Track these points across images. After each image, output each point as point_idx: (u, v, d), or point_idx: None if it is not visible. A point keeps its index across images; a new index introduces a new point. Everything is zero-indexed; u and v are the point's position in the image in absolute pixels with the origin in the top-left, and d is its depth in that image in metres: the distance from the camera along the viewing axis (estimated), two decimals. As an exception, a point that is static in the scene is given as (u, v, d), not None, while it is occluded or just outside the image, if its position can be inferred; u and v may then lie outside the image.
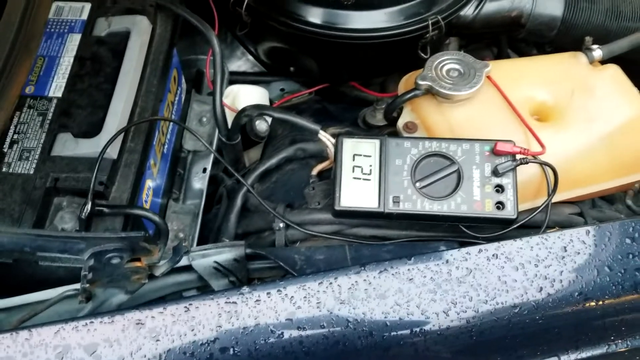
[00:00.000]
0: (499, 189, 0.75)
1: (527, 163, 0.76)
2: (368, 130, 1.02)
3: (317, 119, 1.07)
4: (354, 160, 0.77)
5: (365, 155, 0.78)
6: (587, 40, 0.93)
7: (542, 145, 0.80)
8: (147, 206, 0.89)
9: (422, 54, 1.01)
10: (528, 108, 0.87)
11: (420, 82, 0.85)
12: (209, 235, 0.95)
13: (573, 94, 0.87)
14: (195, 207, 1.03)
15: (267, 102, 1.15)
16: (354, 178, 0.77)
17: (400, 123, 0.88)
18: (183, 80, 1.07)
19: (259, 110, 0.88)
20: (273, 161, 0.90)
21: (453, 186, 0.76)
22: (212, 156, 1.06)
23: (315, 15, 0.97)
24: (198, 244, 0.95)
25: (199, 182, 1.06)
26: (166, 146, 0.98)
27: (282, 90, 1.22)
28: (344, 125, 1.01)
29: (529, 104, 0.88)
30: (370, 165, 0.77)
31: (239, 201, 0.87)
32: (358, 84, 1.12)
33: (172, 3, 0.95)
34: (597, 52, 0.92)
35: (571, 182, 0.85)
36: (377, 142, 0.78)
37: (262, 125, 1.05)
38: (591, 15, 1.06)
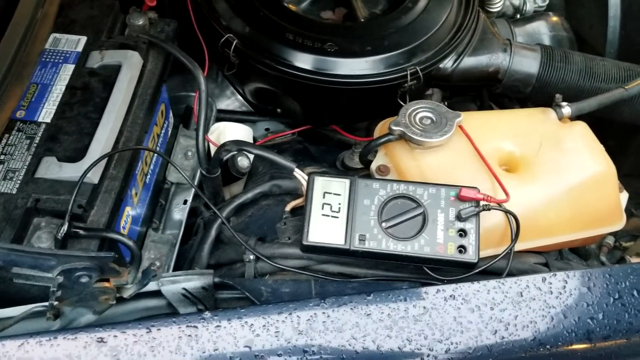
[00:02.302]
0: (462, 233, 0.78)
1: (489, 210, 0.79)
2: (345, 172, 1.05)
3: (296, 158, 1.11)
4: (324, 197, 0.81)
5: (335, 194, 0.81)
6: (557, 97, 0.97)
7: (506, 194, 0.83)
8: (125, 232, 0.92)
9: (402, 102, 1.06)
10: (497, 158, 0.91)
11: (394, 128, 0.89)
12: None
13: (540, 147, 0.91)
14: (173, 237, 1.06)
15: (250, 140, 1.19)
16: (323, 215, 0.79)
17: (374, 166, 0.92)
18: (171, 114, 1.11)
19: (238, 145, 0.91)
20: (249, 195, 0.93)
21: (418, 228, 0.79)
22: (193, 189, 1.09)
23: (300, 60, 1.02)
24: (193, 263, 0.97)
25: (179, 213, 1.09)
26: (149, 176, 1.01)
27: (267, 129, 1.26)
28: (322, 166, 1.05)
29: (498, 154, 0.91)
30: (340, 204, 0.80)
31: (213, 232, 0.90)
32: (340, 127, 1.16)
33: (164, 41, 1.00)
34: (566, 109, 0.96)
35: (535, 231, 0.88)
36: (347, 181, 0.81)
37: (243, 162, 1.09)
38: (565, 75, 1.12)
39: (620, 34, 1.34)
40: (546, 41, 1.32)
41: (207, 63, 1.10)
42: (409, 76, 1.02)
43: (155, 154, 1.04)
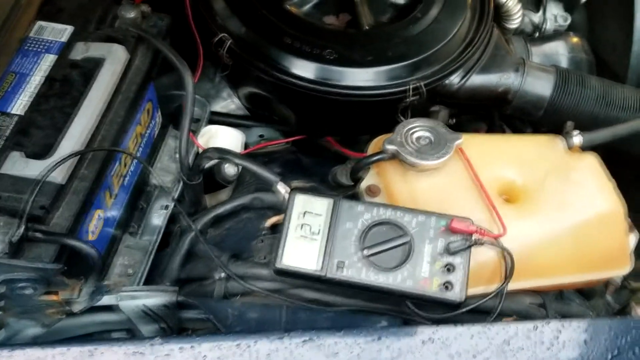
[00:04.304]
0: (450, 268, 0.71)
1: (482, 244, 0.72)
2: (337, 189, 0.99)
3: (286, 169, 1.05)
4: (303, 217, 0.74)
5: (316, 214, 0.74)
6: (568, 125, 0.90)
7: (503, 228, 0.76)
8: (94, 237, 0.86)
9: (402, 118, 0.99)
10: (497, 186, 0.84)
11: (387, 146, 0.83)
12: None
13: (545, 179, 0.84)
14: (150, 243, 1.00)
15: (241, 146, 1.13)
16: (301, 236, 0.73)
17: (363, 185, 0.85)
18: (158, 114, 1.05)
19: (220, 153, 0.85)
20: (227, 207, 0.87)
21: (402, 259, 0.72)
22: (176, 194, 1.03)
23: (296, 66, 0.96)
24: (146, 283, 0.92)
25: (159, 218, 1.03)
26: (127, 178, 0.96)
27: (261, 136, 1.20)
28: (311, 180, 0.99)
29: (499, 182, 0.84)
30: (320, 225, 0.74)
31: (185, 244, 0.84)
32: (338, 139, 1.10)
33: (154, 36, 0.95)
34: (577, 139, 0.89)
35: (532, 270, 0.81)
36: (330, 201, 0.75)
37: (230, 170, 1.03)
38: (580, 100, 1.04)
39: None
40: (564, 62, 1.24)
41: (202, 62, 1.05)
42: (410, 91, 0.96)
43: (139, 152, 0.98)
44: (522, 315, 0.83)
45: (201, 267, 0.83)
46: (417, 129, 0.85)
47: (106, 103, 0.87)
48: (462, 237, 0.72)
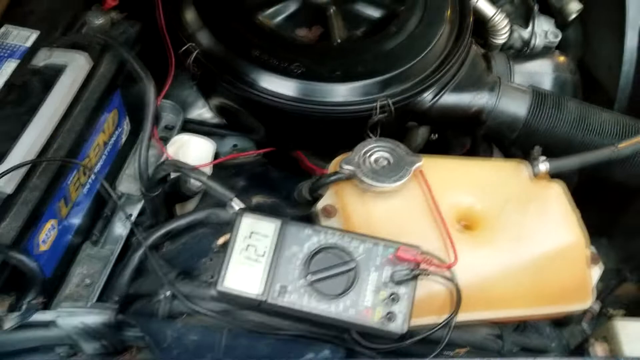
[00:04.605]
0: (394, 298, 0.69)
1: (427, 275, 0.70)
2: (299, 206, 0.97)
3: (252, 183, 1.03)
4: (250, 238, 0.72)
5: (262, 236, 0.73)
6: (535, 150, 0.88)
7: (455, 257, 0.74)
8: (46, 247, 0.85)
9: (372, 135, 0.97)
10: (456, 212, 0.82)
11: (344, 167, 0.81)
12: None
13: (506, 207, 0.82)
14: (111, 253, 0.99)
15: (211, 156, 1.11)
16: (246, 258, 0.71)
17: (320, 205, 0.84)
18: (126, 121, 1.04)
19: (175, 166, 0.84)
20: (181, 222, 0.85)
21: (346, 286, 0.70)
22: (142, 202, 1.02)
23: (263, 80, 0.94)
24: (103, 294, 0.91)
25: (122, 227, 1.02)
26: (87, 187, 0.94)
27: (234, 146, 1.18)
28: (276, 195, 0.97)
29: (458, 208, 0.82)
30: (266, 247, 0.72)
31: (135, 259, 0.82)
32: (306, 153, 1.08)
33: (120, 44, 0.93)
34: (543, 165, 0.86)
35: (487, 302, 0.79)
36: (277, 223, 0.73)
37: (195, 182, 1.01)
38: (555, 123, 1.01)
39: (634, 80, 1.23)
40: (547, 82, 1.21)
41: (173, 70, 1.03)
42: (378, 108, 0.94)
43: (102, 160, 0.97)
44: (477, 347, 0.81)
45: (149, 284, 0.81)
46: (376, 150, 0.83)
47: (64, 111, 0.86)
48: (408, 267, 0.70)
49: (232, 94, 0.97)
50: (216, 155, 1.13)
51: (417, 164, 0.81)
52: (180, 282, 0.79)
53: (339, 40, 1.01)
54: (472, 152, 1.23)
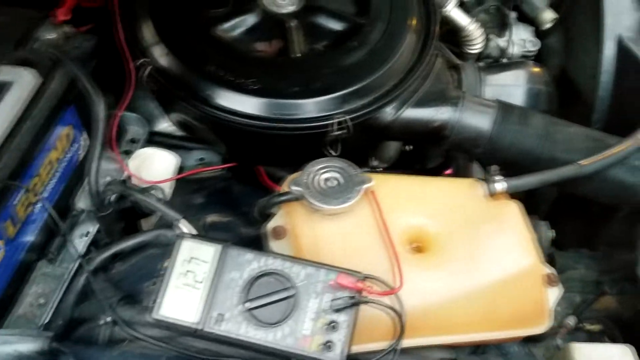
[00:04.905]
0: (333, 326, 0.67)
1: (365, 303, 0.68)
2: (257, 224, 0.95)
3: (212, 199, 1.01)
4: (189, 263, 0.71)
5: (202, 261, 0.71)
6: (493, 168, 0.86)
7: (401, 282, 0.72)
8: (-9, 268, 0.83)
9: (332, 151, 0.95)
10: (408, 234, 0.80)
11: (292, 188, 0.79)
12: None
13: (459, 227, 0.80)
14: (67, 271, 0.97)
15: (175, 170, 1.10)
16: (184, 285, 0.70)
17: (270, 226, 0.82)
18: (83, 137, 1.02)
19: (121, 187, 0.82)
20: (128, 244, 0.83)
21: (285, 314, 0.68)
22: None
23: (218, 96, 0.92)
24: (57, 313, 0.89)
25: (78, 245, 1.00)
26: (39, 204, 0.93)
27: (201, 160, 1.16)
28: (233, 212, 0.95)
29: (410, 229, 0.80)
30: (205, 273, 0.70)
31: (80, 282, 0.80)
32: (265, 169, 1.06)
33: (71, 60, 0.91)
34: (500, 185, 0.84)
35: (436, 327, 0.77)
36: (218, 248, 0.71)
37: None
38: (520, 138, 0.99)
39: (612, 90, 1.20)
40: (519, 94, 1.19)
41: (133, 84, 1.01)
42: (335, 125, 0.92)
43: (56, 177, 0.95)
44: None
45: (93, 308, 0.79)
46: (326, 170, 0.81)
47: (9, 130, 0.84)
48: (348, 294, 0.68)
49: (188, 110, 0.95)
50: (181, 169, 1.12)
51: (367, 185, 0.79)
52: (122, 307, 0.77)
53: (298, 55, 0.99)
54: (449, 162, 1.21)
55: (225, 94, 0.92)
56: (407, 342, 0.75)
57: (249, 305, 0.68)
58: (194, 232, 0.78)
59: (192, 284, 0.69)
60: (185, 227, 0.79)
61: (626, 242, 1.08)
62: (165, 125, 1.23)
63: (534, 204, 1.20)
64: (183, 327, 0.68)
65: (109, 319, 0.75)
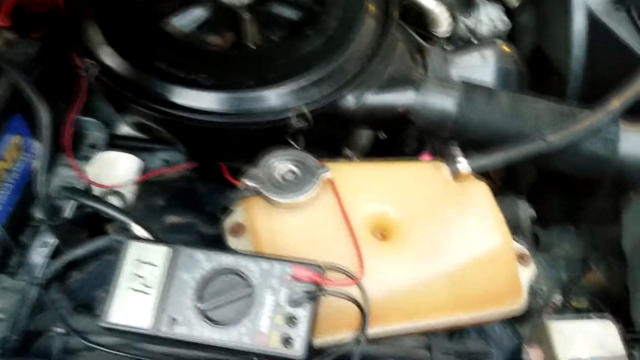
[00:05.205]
0: (292, 320, 0.64)
1: (324, 294, 0.65)
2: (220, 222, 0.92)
3: (174, 200, 0.98)
4: (138, 267, 0.67)
5: (151, 264, 0.67)
6: (453, 149, 0.83)
7: (362, 271, 0.69)
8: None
9: (294, 144, 0.92)
10: (370, 222, 0.77)
11: (247, 183, 0.76)
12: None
13: (423, 212, 0.77)
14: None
15: (137, 173, 1.06)
16: (133, 289, 0.66)
17: (228, 223, 0.79)
18: (34, 145, 0.99)
19: (69, 193, 0.79)
20: (79, 252, 0.80)
21: (242, 312, 0.65)
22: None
23: (169, 94, 0.89)
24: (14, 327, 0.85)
25: (39, 256, 0.97)
26: (-8, 217, 0.89)
27: (165, 161, 1.13)
28: (196, 213, 0.92)
29: (373, 217, 0.77)
30: (155, 277, 0.67)
31: (34, 292, 0.77)
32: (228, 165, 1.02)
33: (13, 67, 0.88)
34: (463, 165, 0.81)
35: (407, 312, 0.74)
36: (167, 250, 0.68)
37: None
38: (487, 117, 0.96)
39: (585, 63, 1.17)
40: (488, 75, 1.16)
41: (85, 88, 0.98)
42: (294, 117, 0.89)
43: (8, 189, 0.92)
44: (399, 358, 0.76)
45: (47, 319, 0.76)
46: (282, 162, 0.78)
47: (-50, 142, 0.81)
48: (305, 287, 0.65)
49: (140, 111, 0.92)
50: (146, 172, 1.09)
51: (324, 175, 0.76)
52: (76, 316, 0.74)
53: (253, 47, 0.96)
54: (425, 145, 1.18)
55: (177, 91, 0.89)
56: (376, 331, 0.72)
57: (202, 306, 0.65)
58: (147, 235, 0.74)
59: (142, 289, 0.66)
60: (137, 229, 0.76)
61: (610, 216, 1.07)
62: (127, 128, 1.21)
63: (514, 181, 1.19)
64: (135, 332, 0.65)
65: (61, 329, 0.72)
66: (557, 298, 0.99)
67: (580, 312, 1.01)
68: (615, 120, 0.95)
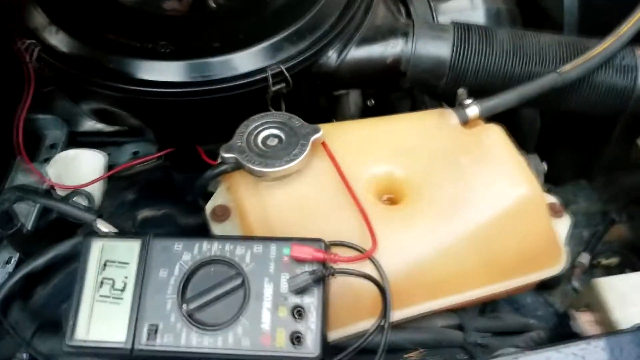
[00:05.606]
0: (299, 312, 0.53)
1: (333, 275, 0.53)
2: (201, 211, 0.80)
3: (147, 193, 0.87)
4: (104, 270, 0.56)
5: (120, 264, 0.56)
6: (460, 92, 0.72)
7: (373, 243, 0.58)
8: None
9: (274, 110, 0.80)
10: (376, 185, 0.66)
11: (224, 155, 0.64)
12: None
13: (434, 167, 0.65)
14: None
15: (102, 171, 0.94)
16: (101, 297, 0.54)
17: (209, 207, 0.67)
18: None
19: (19, 193, 0.67)
20: (39, 262, 0.67)
21: (236, 310, 0.53)
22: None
23: (125, 67, 0.77)
24: None
25: (2, 274, 0.85)
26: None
27: (135, 153, 1.01)
28: (168, 206, 0.80)
29: (377, 179, 0.66)
30: (126, 278, 0.55)
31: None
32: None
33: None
34: (472, 109, 0.70)
35: (435, 288, 0.63)
36: (137, 243, 0.56)
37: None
38: (486, 59, 0.85)
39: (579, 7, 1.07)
40: (478, 17, 1.05)
41: (33, 81, 0.85)
42: (271, 78, 0.77)
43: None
44: (431, 346, 0.65)
45: (8, 345, 0.64)
46: (264, 127, 0.66)
47: None
48: (309, 267, 0.53)
49: (95, 93, 0.79)
50: (111, 167, 0.97)
51: (315, 136, 0.64)
52: (40, 338, 0.61)
53: (214, 6, 0.84)
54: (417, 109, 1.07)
55: (133, 64, 0.76)
56: (400, 314, 0.61)
57: (186, 307, 0.53)
58: (112, 229, 0.62)
59: (112, 295, 0.54)
60: (103, 226, 0.64)
61: (625, 163, 0.98)
62: (90, 123, 1.08)
63: (519, 137, 1.09)
64: (110, 350, 0.53)
65: (25, 355, 0.60)
66: (584, 258, 0.90)
67: (611, 270, 0.93)
68: (631, 47, 0.85)
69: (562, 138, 1.09)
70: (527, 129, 1.11)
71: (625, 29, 0.80)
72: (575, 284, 0.87)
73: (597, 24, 0.99)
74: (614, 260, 0.93)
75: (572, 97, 0.84)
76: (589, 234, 0.95)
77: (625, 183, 0.98)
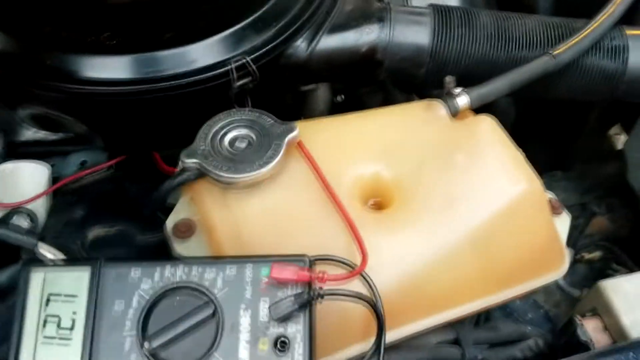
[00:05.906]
0: (283, 343, 0.45)
1: (321, 298, 0.45)
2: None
3: (95, 210, 0.77)
4: (47, 306, 0.46)
5: (66, 297, 0.47)
6: (448, 81, 0.65)
7: (363, 258, 0.50)
8: None
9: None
10: (360, 188, 0.58)
11: (185, 161, 0.55)
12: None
13: (424, 165, 0.58)
14: None
15: (46, 184, 0.84)
16: (46, 339, 0.45)
17: (170, 223, 0.58)
18: None
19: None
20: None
21: (207, 345, 0.45)
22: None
23: (62, 64, 0.67)
24: None
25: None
26: None
27: (83, 163, 0.91)
28: (122, 223, 0.71)
29: (362, 181, 0.58)
30: (74, 314, 0.46)
31: None
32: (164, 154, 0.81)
33: None
34: (462, 99, 0.63)
35: (430, 301, 0.56)
36: (86, 272, 0.47)
37: (21, 222, 0.74)
38: (469, 44, 0.78)
39: None
40: (454, 0, 0.99)
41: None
42: (234, 72, 0.68)
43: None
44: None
45: None
46: (230, 128, 0.58)
47: None
48: (292, 290, 0.46)
49: (31, 94, 0.70)
50: (55, 180, 0.86)
51: (290, 135, 0.56)
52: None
53: (166, -7, 0.75)
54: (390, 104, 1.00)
55: (74, 60, 0.67)
56: (394, 334, 0.54)
57: (149, 346, 0.45)
58: (58, 255, 0.53)
59: (59, 335, 0.45)
60: (47, 252, 0.55)
61: (601, 153, 0.97)
62: (30, 133, 0.97)
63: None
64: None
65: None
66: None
67: (594, 264, 0.89)
68: (618, 27, 0.80)
69: (536, 129, 1.05)
70: (501, 119, 1.07)
71: (616, 5, 0.75)
72: (561, 282, 0.82)
73: (572, 6, 0.94)
74: (597, 255, 0.89)
75: (560, 83, 0.78)
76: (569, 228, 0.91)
77: (600, 174, 0.95)
